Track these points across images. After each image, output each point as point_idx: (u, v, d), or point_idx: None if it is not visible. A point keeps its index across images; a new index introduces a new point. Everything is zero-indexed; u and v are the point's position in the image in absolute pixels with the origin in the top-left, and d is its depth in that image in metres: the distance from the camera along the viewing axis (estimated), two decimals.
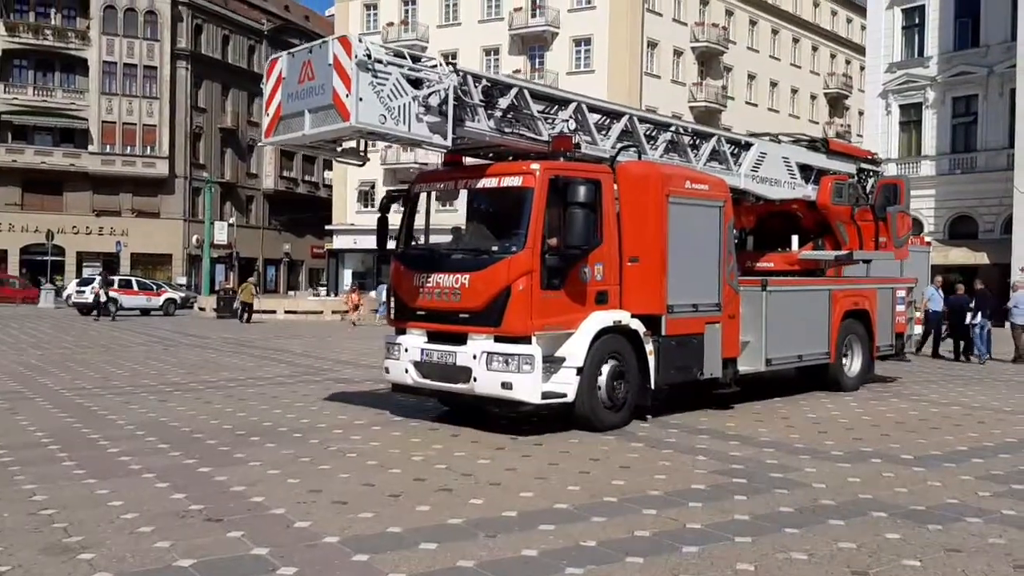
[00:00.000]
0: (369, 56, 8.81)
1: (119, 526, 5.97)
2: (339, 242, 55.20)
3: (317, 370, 16.27)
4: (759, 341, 11.92)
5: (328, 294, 48.94)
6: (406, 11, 53.30)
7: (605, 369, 9.77)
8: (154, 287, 42.19)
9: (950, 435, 9.83)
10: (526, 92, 10.39)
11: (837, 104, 64.99)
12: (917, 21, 39.06)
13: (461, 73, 9.67)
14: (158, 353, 19.51)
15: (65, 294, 42.79)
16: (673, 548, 5.58)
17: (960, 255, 35.00)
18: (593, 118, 11.12)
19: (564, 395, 9.45)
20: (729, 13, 55.17)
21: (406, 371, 10.27)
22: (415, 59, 9.55)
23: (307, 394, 12.81)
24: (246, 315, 33.52)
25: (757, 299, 11.91)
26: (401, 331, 10.59)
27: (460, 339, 9.74)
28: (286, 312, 36.65)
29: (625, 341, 10.02)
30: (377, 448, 8.77)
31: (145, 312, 39.55)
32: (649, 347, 10.16)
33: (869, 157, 16.24)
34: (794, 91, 60.64)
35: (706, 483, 7.34)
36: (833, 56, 64.77)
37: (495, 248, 9.64)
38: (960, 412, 11.61)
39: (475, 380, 9.50)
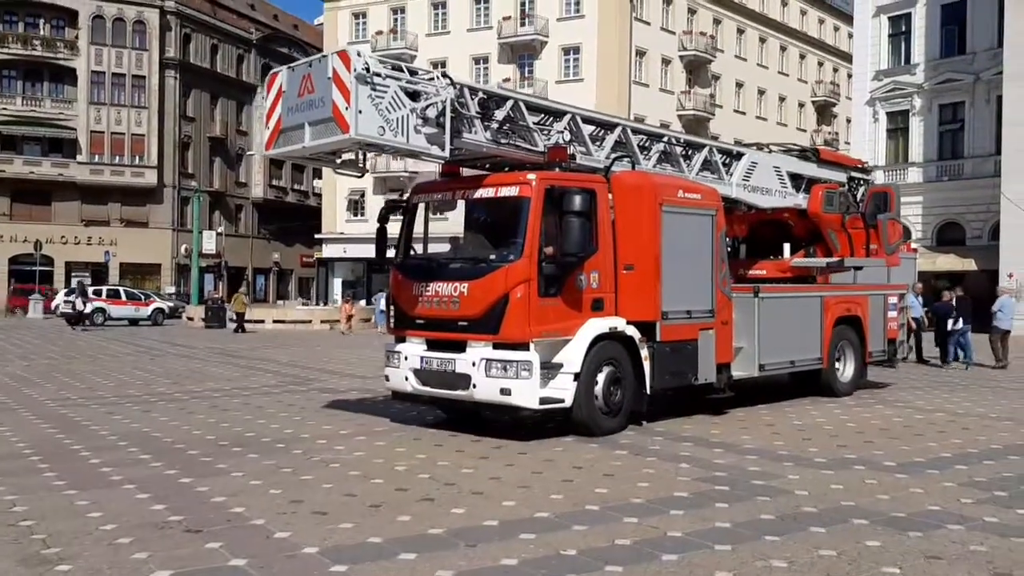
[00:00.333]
0: (368, 70, 8.93)
1: (97, 537, 5.94)
2: (329, 251, 55.03)
3: (303, 380, 16.23)
4: (752, 347, 11.99)
5: (317, 303, 48.74)
6: (395, 20, 53.28)
7: (601, 375, 9.90)
8: (142, 297, 42.02)
9: (934, 442, 9.85)
10: (522, 104, 10.53)
11: (825, 112, 65.22)
12: (904, 29, 39.19)
13: (458, 85, 9.76)
14: (144, 363, 19.44)
15: (54, 304, 42.61)
16: (653, 556, 5.58)
17: (948, 262, 35.08)
18: (587, 129, 11.23)
19: (562, 400, 9.58)
20: (717, 22, 55.35)
21: (406, 378, 10.40)
22: (412, 72, 9.66)
23: (292, 404, 12.77)
24: (240, 326, 33.09)
25: (750, 306, 12.00)
26: (401, 339, 10.69)
27: (459, 347, 9.84)
28: (275, 322, 36.28)
29: (621, 347, 10.14)
30: (361, 458, 8.75)
31: (133, 322, 39.41)
32: (644, 353, 10.28)
33: (859, 166, 16.39)
34: (782, 99, 60.83)
35: (688, 491, 7.34)
36: (820, 64, 65.03)
37: (493, 257, 9.75)
38: (944, 418, 11.64)
39: (474, 387, 9.60)
